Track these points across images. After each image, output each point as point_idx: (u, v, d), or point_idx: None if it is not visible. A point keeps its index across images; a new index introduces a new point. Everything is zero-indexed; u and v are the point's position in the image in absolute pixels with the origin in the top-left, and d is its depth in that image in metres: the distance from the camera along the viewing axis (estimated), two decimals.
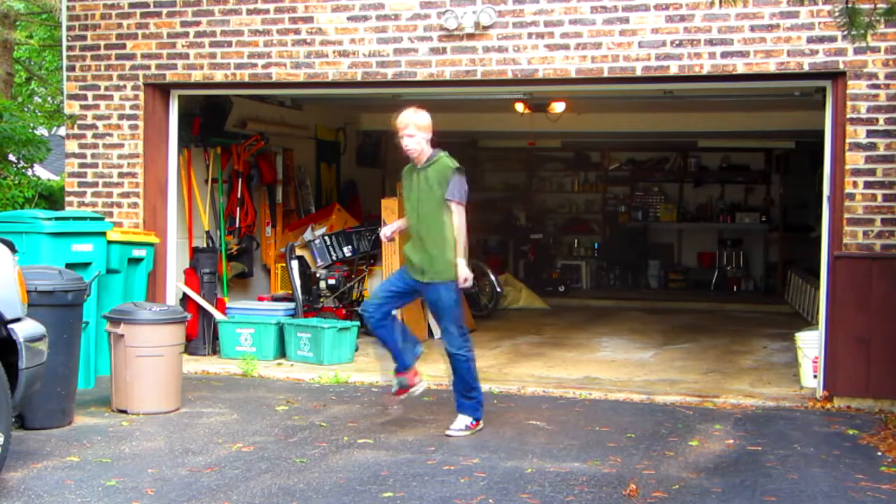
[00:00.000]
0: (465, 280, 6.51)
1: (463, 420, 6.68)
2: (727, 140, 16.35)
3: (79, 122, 9.39)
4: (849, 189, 7.70)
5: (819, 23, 7.70)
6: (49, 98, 18.62)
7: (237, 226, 10.89)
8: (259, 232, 11.43)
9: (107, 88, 9.31)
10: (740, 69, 7.91)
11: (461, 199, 6.49)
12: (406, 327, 7.08)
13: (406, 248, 6.73)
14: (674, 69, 8.04)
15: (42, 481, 5.42)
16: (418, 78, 8.57)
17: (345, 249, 11.11)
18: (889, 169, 7.64)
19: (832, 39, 7.66)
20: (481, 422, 6.74)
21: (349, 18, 8.69)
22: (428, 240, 6.52)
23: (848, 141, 7.71)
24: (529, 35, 8.30)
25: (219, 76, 9.01)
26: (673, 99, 10.94)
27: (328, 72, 8.76)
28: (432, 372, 8.82)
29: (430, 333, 11.19)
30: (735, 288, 16.81)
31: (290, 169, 12.28)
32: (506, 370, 9.21)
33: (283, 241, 11.34)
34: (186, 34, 9.06)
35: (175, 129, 9.46)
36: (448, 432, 6.60)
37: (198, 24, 9.03)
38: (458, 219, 6.49)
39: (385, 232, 7.03)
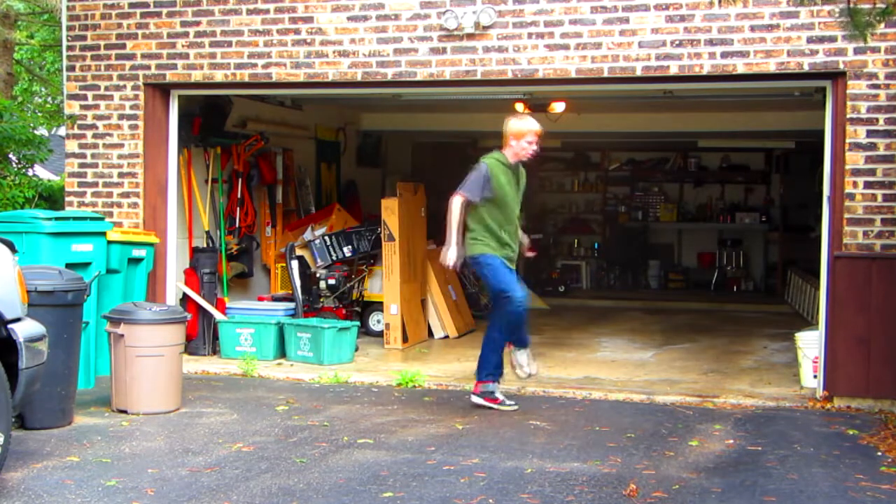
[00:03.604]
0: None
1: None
2: (727, 140, 16.35)
3: (79, 122, 9.40)
4: (849, 189, 7.70)
5: (819, 23, 7.71)
6: (49, 98, 18.62)
7: (237, 226, 10.89)
8: (259, 232, 11.43)
9: (107, 88, 9.32)
10: (740, 69, 7.91)
11: None
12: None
13: (505, 238, 7.39)
14: (674, 69, 8.04)
15: (42, 481, 5.42)
16: (418, 78, 8.57)
17: (345, 249, 11.11)
18: (889, 169, 7.64)
19: (832, 39, 7.67)
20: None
21: (349, 18, 8.69)
22: (515, 230, 7.51)
23: (848, 141, 7.71)
24: (529, 35, 8.30)
25: (219, 76, 9.02)
26: (673, 99, 10.94)
27: (328, 72, 8.76)
28: (432, 372, 8.84)
29: (430, 333, 11.20)
30: (735, 288, 16.79)
31: (290, 169, 12.28)
32: (506, 370, 9.19)
33: (283, 241, 11.34)
34: (186, 34, 9.06)
35: (175, 129, 9.47)
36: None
37: (198, 24, 9.03)
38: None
39: (452, 258, 7.39)
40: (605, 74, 8.21)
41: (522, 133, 7.33)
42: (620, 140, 16.63)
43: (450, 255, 7.27)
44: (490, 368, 7.47)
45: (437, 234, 12.03)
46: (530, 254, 7.95)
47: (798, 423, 7.16)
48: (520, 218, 7.57)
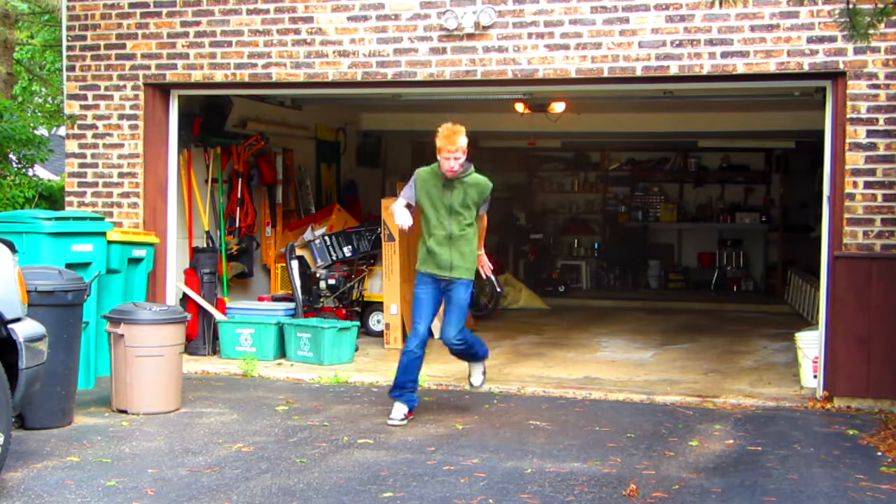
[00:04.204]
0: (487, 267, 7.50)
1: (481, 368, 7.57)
2: (727, 140, 16.35)
3: (79, 122, 9.40)
4: (849, 189, 7.70)
5: (819, 23, 7.71)
6: (49, 98, 18.62)
7: (237, 226, 10.89)
8: (259, 232, 11.43)
9: (107, 88, 9.32)
10: (740, 69, 7.91)
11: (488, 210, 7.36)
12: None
13: (431, 245, 7.10)
14: (674, 69, 8.04)
15: (42, 481, 5.42)
16: (418, 78, 8.57)
17: (345, 249, 11.11)
18: (889, 169, 7.64)
19: (832, 39, 7.67)
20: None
21: (349, 18, 8.69)
22: (461, 241, 7.09)
23: (848, 141, 7.71)
24: (529, 35, 8.30)
25: (219, 76, 9.01)
26: (673, 99, 10.93)
27: (328, 72, 8.76)
28: (432, 372, 8.83)
29: (430, 333, 11.17)
30: (735, 288, 16.81)
31: (290, 169, 12.28)
32: (506, 370, 9.21)
33: (283, 241, 11.34)
34: (186, 34, 9.06)
35: (175, 129, 9.47)
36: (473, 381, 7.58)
37: (198, 24, 9.03)
38: (484, 225, 7.38)
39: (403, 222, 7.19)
40: (605, 74, 8.21)
41: (438, 148, 7.03)
42: (620, 140, 16.63)
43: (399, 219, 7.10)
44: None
45: None
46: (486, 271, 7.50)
47: (798, 423, 7.16)
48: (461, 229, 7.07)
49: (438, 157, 7.07)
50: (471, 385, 7.63)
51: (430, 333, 11.02)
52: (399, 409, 7.00)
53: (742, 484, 5.57)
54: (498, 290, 13.16)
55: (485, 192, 7.17)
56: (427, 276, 7.15)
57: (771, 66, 7.84)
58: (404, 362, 7.07)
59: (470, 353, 7.40)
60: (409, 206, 7.16)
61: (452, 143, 6.96)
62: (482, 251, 7.42)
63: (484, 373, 7.61)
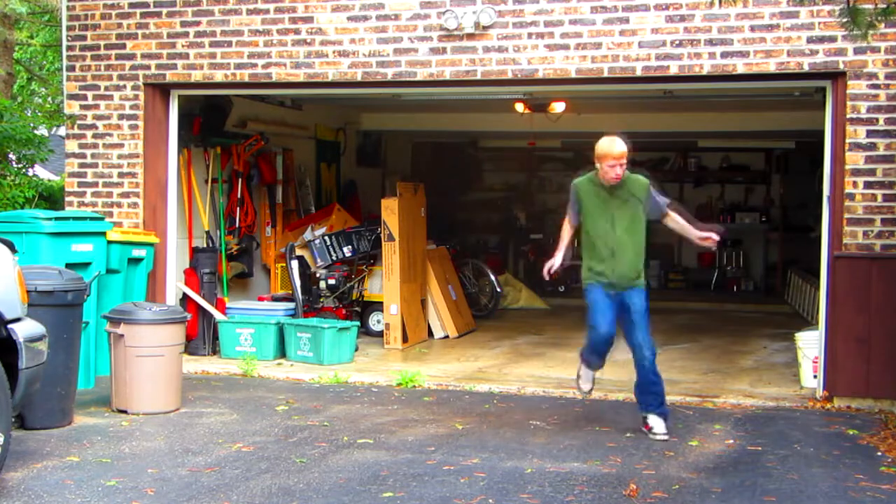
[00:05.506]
0: None
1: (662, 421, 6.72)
2: (727, 140, 16.35)
3: (79, 122, 9.40)
4: (849, 189, 7.70)
5: (819, 23, 7.71)
6: (49, 98, 18.62)
7: (237, 226, 10.89)
8: (259, 232, 11.43)
9: (107, 88, 9.32)
10: (740, 69, 7.91)
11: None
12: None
13: (594, 263, 7.04)
14: (674, 69, 8.04)
15: (42, 481, 5.42)
16: (418, 78, 8.58)
17: (345, 249, 11.11)
18: (889, 169, 7.64)
19: (832, 39, 7.67)
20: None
21: (349, 18, 8.69)
22: (629, 251, 7.10)
23: (848, 141, 7.71)
24: (529, 35, 8.31)
25: (219, 76, 9.02)
26: (673, 99, 10.94)
27: (328, 72, 8.76)
28: (432, 373, 8.84)
29: (430, 333, 11.20)
30: (735, 288, 16.79)
31: (290, 169, 12.28)
32: (506, 370, 9.22)
33: (283, 241, 11.34)
34: (186, 34, 9.06)
35: (175, 129, 9.47)
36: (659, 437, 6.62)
37: (198, 24, 9.04)
38: (676, 219, 7.33)
39: (556, 263, 7.02)
40: (605, 74, 8.21)
41: (601, 156, 6.74)
42: None
43: (547, 263, 7.01)
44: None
45: (437, 234, 12.06)
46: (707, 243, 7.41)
47: (798, 423, 7.16)
48: (630, 237, 7.10)
49: (599, 166, 6.79)
50: (651, 433, 6.65)
51: (431, 333, 11.10)
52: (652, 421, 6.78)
53: (742, 484, 5.57)
54: (498, 290, 13.16)
55: (642, 186, 6.93)
56: (598, 287, 7.01)
57: (771, 66, 7.84)
58: (594, 344, 6.98)
59: (658, 383, 6.79)
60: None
61: (618, 150, 6.72)
62: (701, 232, 7.31)
63: (666, 423, 6.69)
